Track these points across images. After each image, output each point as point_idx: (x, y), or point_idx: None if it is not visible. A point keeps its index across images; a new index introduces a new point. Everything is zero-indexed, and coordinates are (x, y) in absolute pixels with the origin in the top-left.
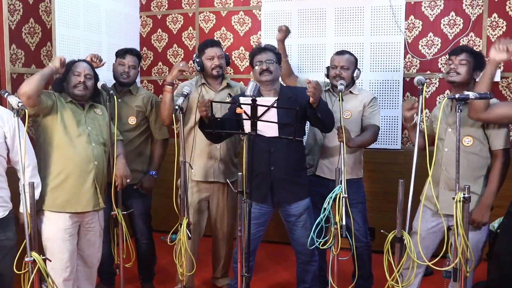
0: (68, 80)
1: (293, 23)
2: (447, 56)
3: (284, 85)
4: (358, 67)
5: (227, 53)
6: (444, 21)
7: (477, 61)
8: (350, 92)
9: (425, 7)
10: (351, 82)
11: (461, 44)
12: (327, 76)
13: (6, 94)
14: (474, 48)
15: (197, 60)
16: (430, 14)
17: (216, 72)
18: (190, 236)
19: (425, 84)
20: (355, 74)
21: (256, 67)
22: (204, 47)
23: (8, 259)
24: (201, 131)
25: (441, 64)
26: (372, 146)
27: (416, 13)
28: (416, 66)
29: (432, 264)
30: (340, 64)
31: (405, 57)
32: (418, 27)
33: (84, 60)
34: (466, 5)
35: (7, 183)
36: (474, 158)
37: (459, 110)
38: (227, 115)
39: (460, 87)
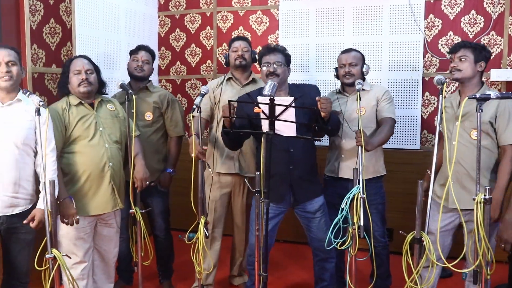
0: (70, 81)
1: (310, 22)
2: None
3: (291, 84)
4: (378, 66)
5: (255, 50)
6: (464, 19)
7: (477, 54)
8: (362, 89)
9: (445, 5)
10: (362, 78)
11: (482, 42)
12: (337, 76)
13: (28, 93)
14: (496, 47)
15: (225, 55)
16: (450, 13)
17: (239, 62)
18: (207, 234)
19: (445, 83)
20: (364, 70)
21: (264, 68)
22: (232, 41)
23: (25, 253)
24: (223, 139)
25: None
26: (391, 146)
27: (436, 12)
28: (435, 65)
29: (451, 266)
30: (348, 62)
31: (424, 56)
32: (438, 26)
33: (80, 56)
34: (487, 3)
35: (34, 177)
36: (482, 151)
37: (480, 110)
38: (239, 119)
39: (467, 82)
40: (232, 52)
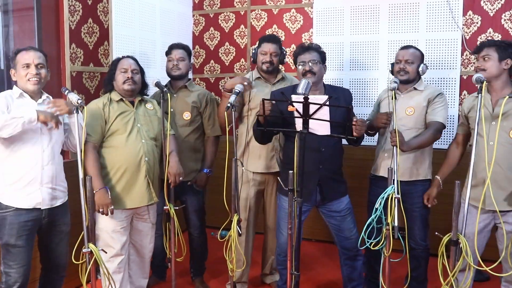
0: (116, 78)
1: (345, 20)
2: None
3: (327, 84)
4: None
5: (285, 50)
6: (505, 16)
7: (502, 51)
8: (415, 88)
9: (484, 1)
10: (417, 77)
11: None
12: (392, 72)
13: (67, 91)
14: None
15: (254, 51)
16: (490, 9)
17: (266, 68)
18: (240, 232)
19: (484, 82)
20: (420, 69)
21: (300, 67)
22: (262, 41)
23: (63, 244)
24: (254, 133)
25: None
26: None
27: (475, 8)
28: (474, 63)
29: (489, 269)
30: (404, 58)
31: (462, 54)
32: (477, 23)
33: (128, 56)
34: None
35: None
36: None
37: None
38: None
39: (494, 81)
40: (261, 55)
